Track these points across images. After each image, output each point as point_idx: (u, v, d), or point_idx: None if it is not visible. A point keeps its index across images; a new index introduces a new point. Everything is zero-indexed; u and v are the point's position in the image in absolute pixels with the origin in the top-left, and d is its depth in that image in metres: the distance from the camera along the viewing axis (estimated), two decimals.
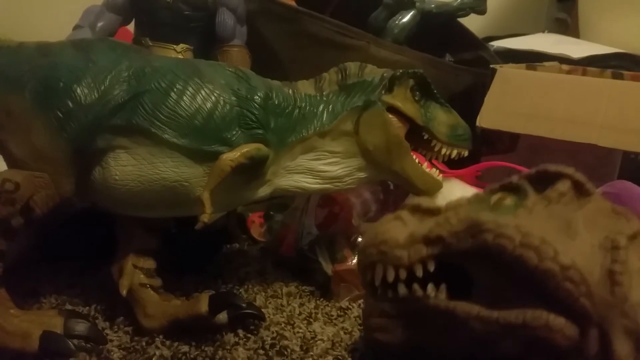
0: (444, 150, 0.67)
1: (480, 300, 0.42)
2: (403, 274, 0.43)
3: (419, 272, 0.42)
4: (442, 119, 0.67)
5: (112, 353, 0.56)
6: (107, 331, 0.60)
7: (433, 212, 0.45)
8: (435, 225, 0.43)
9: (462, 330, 0.42)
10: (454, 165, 0.72)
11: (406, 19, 0.98)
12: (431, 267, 0.42)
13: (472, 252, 0.41)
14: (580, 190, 0.45)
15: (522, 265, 0.39)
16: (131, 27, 0.85)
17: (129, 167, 0.56)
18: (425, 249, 0.42)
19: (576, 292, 0.39)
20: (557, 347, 0.40)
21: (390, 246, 0.43)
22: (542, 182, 0.45)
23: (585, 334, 0.40)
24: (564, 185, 0.44)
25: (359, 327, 0.62)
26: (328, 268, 0.69)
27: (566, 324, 0.40)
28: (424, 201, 0.47)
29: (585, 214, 0.43)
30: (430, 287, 0.44)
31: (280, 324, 0.62)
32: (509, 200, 0.43)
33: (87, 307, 0.64)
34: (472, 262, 0.42)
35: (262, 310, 0.62)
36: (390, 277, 0.43)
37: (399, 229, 0.44)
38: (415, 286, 0.43)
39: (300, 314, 0.65)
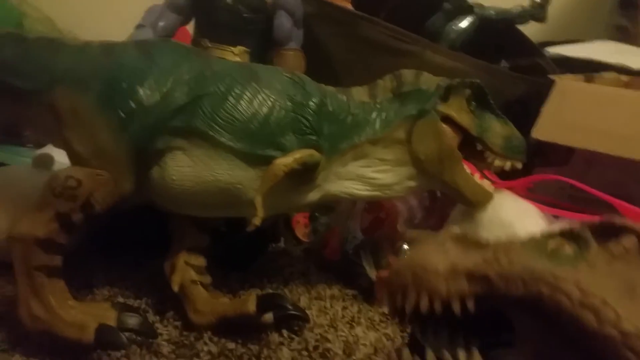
0: (497, 162, 0.66)
1: (521, 350, 0.39)
2: (438, 306, 0.39)
3: (457, 308, 0.39)
4: (497, 130, 0.66)
5: (161, 347, 0.58)
6: (157, 325, 0.61)
7: (480, 246, 0.42)
8: (483, 262, 0.39)
9: None
10: (505, 176, 0.71)
11: (464, 24, 0.96)
12: (471, 306, 0.39)
13: (520, 300, 0.38)
14: None
15: (578, 326, 0.36)
16: (190, 27, 0.87)
17: (185, 168, 0.58)
18: (467, 285, 0.39)
19: None
20: None
21: (428, 273, 0.40)
22: (605, 233, 0.41)
23: None
24: (629, 241, 0.40)
25: (401, 334, 0.62)
26: (372, 273, 0.70)
27: None
28: (470, 234, 0.43)
29: None
30: (462, 356, 0.40)
31: (324, 327, 0.63)
32: (569, 249, 0.40)
33: (139, 300, 0.66)
34: (517, 309, 0.39)
35: (306, 311, 0.63)
36: (424, 306, 0.40)
37: (440, 256, 0.41)
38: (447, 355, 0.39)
39: (343, 317, 0.65)
